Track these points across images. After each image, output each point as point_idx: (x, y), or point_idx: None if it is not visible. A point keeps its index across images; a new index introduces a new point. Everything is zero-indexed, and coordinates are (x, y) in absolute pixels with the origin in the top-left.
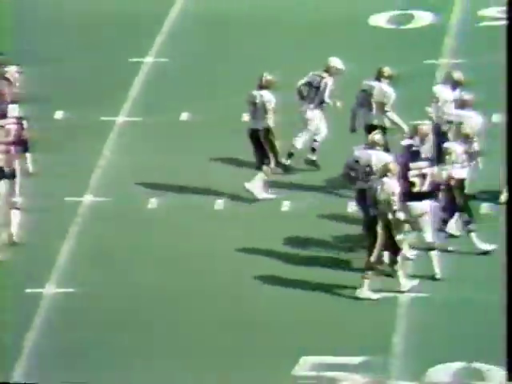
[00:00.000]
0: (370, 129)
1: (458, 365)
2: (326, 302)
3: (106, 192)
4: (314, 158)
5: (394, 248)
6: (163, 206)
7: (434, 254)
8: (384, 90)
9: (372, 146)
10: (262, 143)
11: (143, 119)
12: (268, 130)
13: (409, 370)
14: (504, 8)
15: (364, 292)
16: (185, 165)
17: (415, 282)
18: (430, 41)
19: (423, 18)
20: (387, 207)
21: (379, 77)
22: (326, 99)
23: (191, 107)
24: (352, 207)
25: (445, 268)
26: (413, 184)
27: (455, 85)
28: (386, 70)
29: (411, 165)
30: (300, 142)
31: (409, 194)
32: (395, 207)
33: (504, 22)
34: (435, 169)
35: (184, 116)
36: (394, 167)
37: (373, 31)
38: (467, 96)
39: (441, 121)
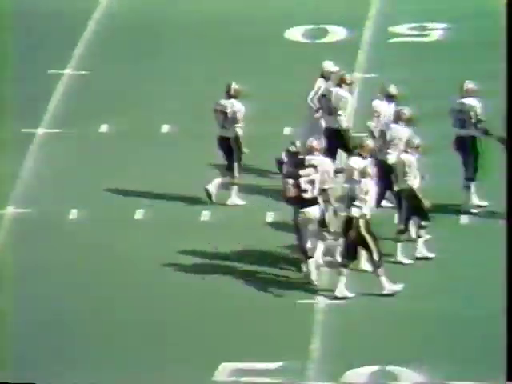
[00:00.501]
0: (330, 133)
1: (372, 368)
2: (245, 309)
3: (27, 203)
4: None
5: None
6: (85, 216)
7: (311, 261)
8: (341, 95)
9: (310, 151)
10: (232, 151)
11: (63, 131)
12: (237, 139)
13: (326, 374)
14: (414, 25)
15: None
16: (106, 176)
17: (399, 286)
18: (344, 55)
19: (337, 33)
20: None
21: (340, 83)
22: (309, 101)
23: (111, 119)
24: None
25: (364, 275)
26: (304, 191)
27: (390, 99)
28: (348, 78)
29: (301, 172)
30: None
31: (300, 200)
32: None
33: (414, 39)
34: (319, 175)
35: (104, 128)
36: (371, 170)
37: (289, 45)
38: (402, 110)
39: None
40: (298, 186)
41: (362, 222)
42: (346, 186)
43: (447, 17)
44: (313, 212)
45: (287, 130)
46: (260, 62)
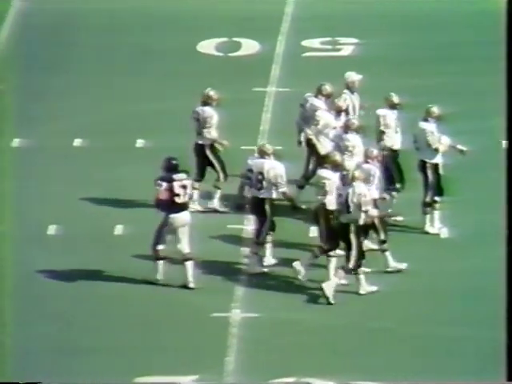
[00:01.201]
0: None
1: (288, 380)
2: (160, 322)
3: None
4: None
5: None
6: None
7: (189, 264)
8: (315, 105)
9: (261, 155)
10: (207, 158)
11: None
12: (212, 145)
13: None
14: (326, 39)
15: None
16: (17, 190)
17: (375, 287)
18: (258, 69)
19: (251, 47)
20: (359, 210)
21: (317, 94)
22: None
23: (23, 133)
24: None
25: (276, 286)
26: (177, 195)
27: (392, 107)
28: (324, 89)
29: (174, 176)
30: None
31: (172, 205)
32: (364, 208)
33: (326, 53)
34: (191, 181)
35: (15, 142)
36: (360, 174)
37: (202, 58)
38: (351, 121)
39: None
40: (170, 189)
41: (352, 227)
42: (319, 197)
43: (358, 32)
44: (183, 217)
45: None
46: (173, 74)
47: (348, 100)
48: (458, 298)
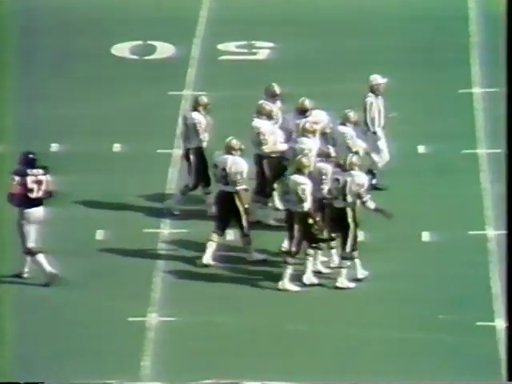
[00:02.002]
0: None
1: (206, 382)
2: (75, 326)
3: None
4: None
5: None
6: None
7: (38, 257)
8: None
9: (228, 150)
10: (203, 161)
11: None
12: (200, 150)
13: None
14: (242, 43)
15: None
16: None
17: (352, 284)
18: (173, 72)
19: (165, 50)
20: (357, 198)
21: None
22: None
23: None
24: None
25: (193, 290)
26: (30, 190)
27: (303, 112)
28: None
29: (29, 171)
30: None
31: (25, 200)
32: (365, 198)
33: (242, 57)
34: (48, 177)
35: None
36: (357, 160)
37: (116, 61)
38: (308, 124)
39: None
40: (24, 184)
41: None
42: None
43: (274, 36)
44: (37, 213)
45: (117, 147)
46: (87, 77)
47: (374, 103)
48: (388, 300)
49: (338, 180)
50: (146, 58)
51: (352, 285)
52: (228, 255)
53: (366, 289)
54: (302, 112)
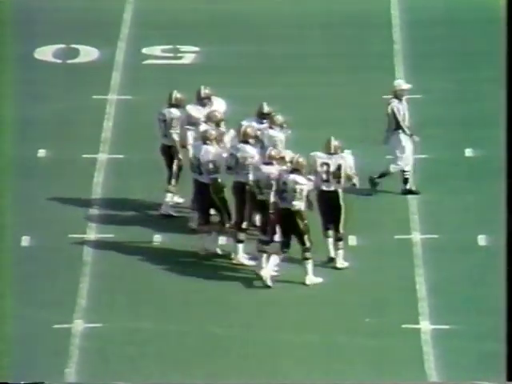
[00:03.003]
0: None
1: None
2: (8, 336)
3: None
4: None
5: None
6: None
7: None
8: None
9: (204, 140)
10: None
11: None
12: (175, 146)
13: None
14: (167, 47)
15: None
16: None
17: (320, 279)
18: (97, 76)
19: (89, 53)
20: (347, 180)
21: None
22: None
23: None
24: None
25: (120, 295)
26: None
27: (262, 117)
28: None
29: None
30: (393, 166)
31: None
32: (355, 178)
33: (167, 61)
34: None
35: None
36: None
37: (39, 65)
38: (250, 129)
39: None
40: None
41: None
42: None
43: (200, 40)
44: None
45: (42, 153)
46: (9, 81)
47: (400, 108)
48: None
49: (327, 164)
50: (70, 61)
51: (319, 280)
52: (161, 259)
53: (291, 293)
54: (261, 117)
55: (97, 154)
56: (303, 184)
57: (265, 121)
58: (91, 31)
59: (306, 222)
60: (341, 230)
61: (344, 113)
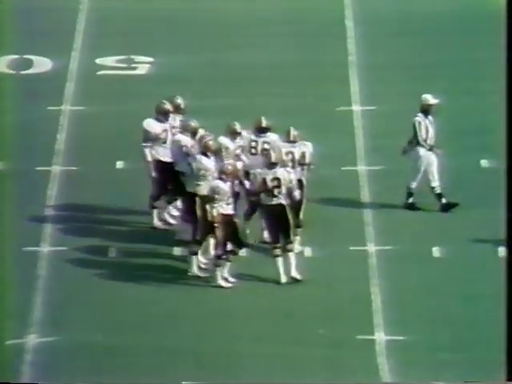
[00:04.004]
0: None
1: None
2: None
3: None
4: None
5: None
6: None
7: None
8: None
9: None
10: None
11: None
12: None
13: None
14: (121, 58)
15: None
16: None
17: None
18: (52, 87)
19: (43, 64)
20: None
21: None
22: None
23: None
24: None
25: (75, 308)
26: None
27: (234, 135)
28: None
29: None
30: (413, 183)
31: None
32: (296, 192)
33: (121, 72)
34: None
35: None
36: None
37: None
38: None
39: None
40: None
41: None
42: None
43: (153, 50)
44: None
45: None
46: None
47: (422, 123)
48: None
49: (292, 153)
50: (23, 72)
51: (229, 284)
52: (116, 272)
53: (247, 304)
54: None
55: (50, 167)
56: (292, 178)
57: (262, 134)
58: (45, 42)
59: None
60: (301, 216)
61: (298, 123)
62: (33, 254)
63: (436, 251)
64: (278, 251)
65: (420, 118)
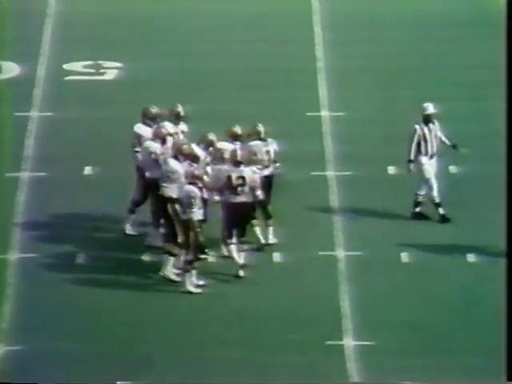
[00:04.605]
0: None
1: None
2: None
3: None
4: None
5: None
6: None
7: None
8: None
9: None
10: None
11: None
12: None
13: None
14: (89, 63)
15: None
16: None
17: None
18: (19, 92)
19: (10, 70)
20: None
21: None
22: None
23: None
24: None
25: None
26: None
27: (207, 145)
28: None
29: None
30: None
31: None
32: (259, 192)
33: (89, 77)
34: None
35: None
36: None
37: None
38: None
39: None
40: None
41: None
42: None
43: (121, 56)
44: None
45: None
46: None
47: (417, 131)
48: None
49: (268, 152)
50: None
51: (199, 290)
52: (85, 278)
53: (213, 308)
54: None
55: (19, 173)
56: (256, 177)
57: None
58: (12, 47)
59: None
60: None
61: (267, 129)
62: (2, 261)
63: (404, 257)
64: (232, 246)
65: (418, 127)
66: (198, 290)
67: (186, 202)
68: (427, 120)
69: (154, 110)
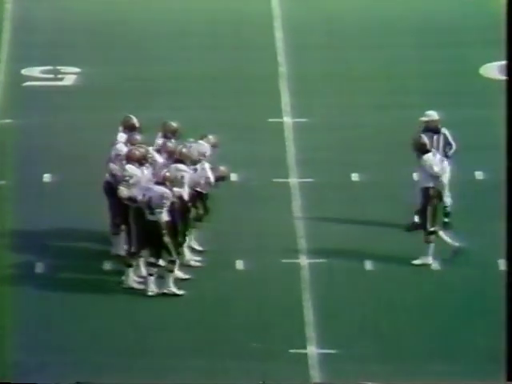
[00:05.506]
0: None
1: None
2: None
3: None
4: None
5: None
6: None
7: None
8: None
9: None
10: None
11: None
12: None
13: None
14: (47, 68)
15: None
16: None
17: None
18: None
19: None
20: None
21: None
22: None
23: None
24: None
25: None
26: None
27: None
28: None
29: None
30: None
31: None
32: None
33: (47, 83)
34: None
35: None
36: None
37: None
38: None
39: None
40: None
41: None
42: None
43: (80, 61)
44: None
45: None
46: None
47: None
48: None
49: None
50: None
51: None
52: (43, 287)
53: (178, 315)
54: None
55: None
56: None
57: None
58: None
59: None
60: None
61: (228, 136)
62: None
63: (368, 264)
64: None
65: (423, 133)
66: (141, 287)
67: (157, 203)
68: (427, 128)
69: (132, 120)
